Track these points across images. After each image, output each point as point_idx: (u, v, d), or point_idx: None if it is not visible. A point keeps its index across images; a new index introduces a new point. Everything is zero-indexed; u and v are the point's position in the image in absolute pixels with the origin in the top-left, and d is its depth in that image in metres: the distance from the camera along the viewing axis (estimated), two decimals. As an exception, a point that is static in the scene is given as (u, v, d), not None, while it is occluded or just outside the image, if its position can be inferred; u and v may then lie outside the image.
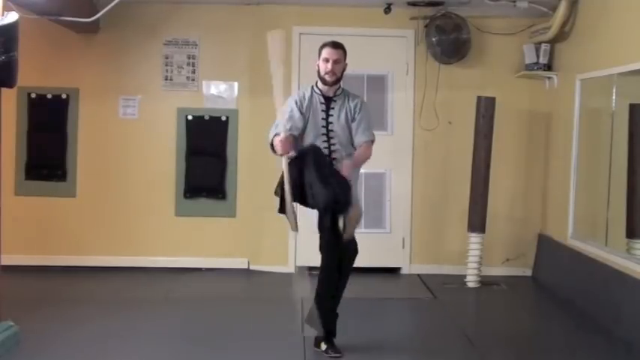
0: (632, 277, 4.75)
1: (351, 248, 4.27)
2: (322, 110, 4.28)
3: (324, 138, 4.25)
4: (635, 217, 5.11)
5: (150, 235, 6.56)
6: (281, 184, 4.22)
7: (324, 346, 4.23)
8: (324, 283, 4.21)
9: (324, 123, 4.27)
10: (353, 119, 4.29)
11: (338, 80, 4.28)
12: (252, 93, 6.52)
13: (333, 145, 4.25)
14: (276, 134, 4.17)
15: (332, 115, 4.28)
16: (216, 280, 6.32)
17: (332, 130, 4.28)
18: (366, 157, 4.34)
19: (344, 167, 4.17)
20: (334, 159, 4.24)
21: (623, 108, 5.25)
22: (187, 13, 6.54)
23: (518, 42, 6.51)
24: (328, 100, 4.30)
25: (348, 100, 4.33)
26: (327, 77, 4.23)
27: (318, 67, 4.27)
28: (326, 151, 4.24)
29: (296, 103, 4.27)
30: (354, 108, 4.30)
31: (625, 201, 5.19)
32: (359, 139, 4.29)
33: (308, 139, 4.26)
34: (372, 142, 4.34)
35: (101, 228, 6.54)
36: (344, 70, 4.31)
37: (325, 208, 4.05)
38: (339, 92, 4.33)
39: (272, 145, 4.21)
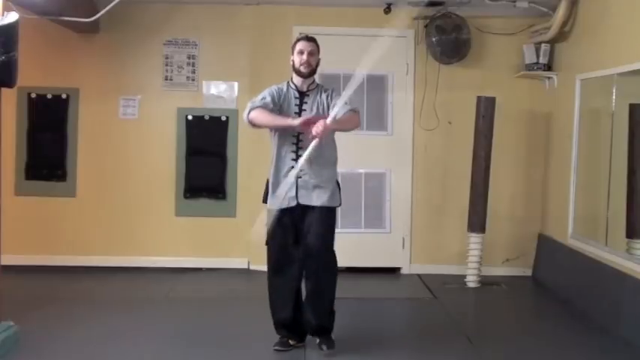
0: (632, 277, 4.75)
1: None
2: (295, 105, 4.27)
3: (294, 133, 4.19)
4: (635, 217, 5.11)
5: (150, 235, 6.56)
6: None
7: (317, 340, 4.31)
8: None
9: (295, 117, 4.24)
10: (328, 107, 4.22)
11: (313, 72, 4.28)
12: (252, 93, 6.40)
13: (301, 141, 4.18)
14: (253, 108, 4.15)
15: (305, 110, 4.25)
16: (216, 280, 6.32)
17: None
18: (352, 122, 4.21)
19: (329, 119, 4.02)
20: (300, 156, 4.13)
21: (623, 108, 5.25)
22: (187, 13, 6.55)
23: (518, 42, 6.51)
24: (302, 95, 4.29)
25: (321, 94, 4.30)
26: (302, 68, 4.23)
27: (293, 61, 4.28)
28: (294, 147, 4.19)
29: (273, 92, 4.25)
30: (327, 98, 4.27)
31: (625, 201, 5.19)
32: (340, 113, 4.09)
33: (278, 134, 4.23)
34: (356, 112, 4.22)
35: (101, 228, 6.54)
36: (317, 64, 4.31)
37: None
38: (312, 87, 4.32)
39: (249, 119, 4.18)
